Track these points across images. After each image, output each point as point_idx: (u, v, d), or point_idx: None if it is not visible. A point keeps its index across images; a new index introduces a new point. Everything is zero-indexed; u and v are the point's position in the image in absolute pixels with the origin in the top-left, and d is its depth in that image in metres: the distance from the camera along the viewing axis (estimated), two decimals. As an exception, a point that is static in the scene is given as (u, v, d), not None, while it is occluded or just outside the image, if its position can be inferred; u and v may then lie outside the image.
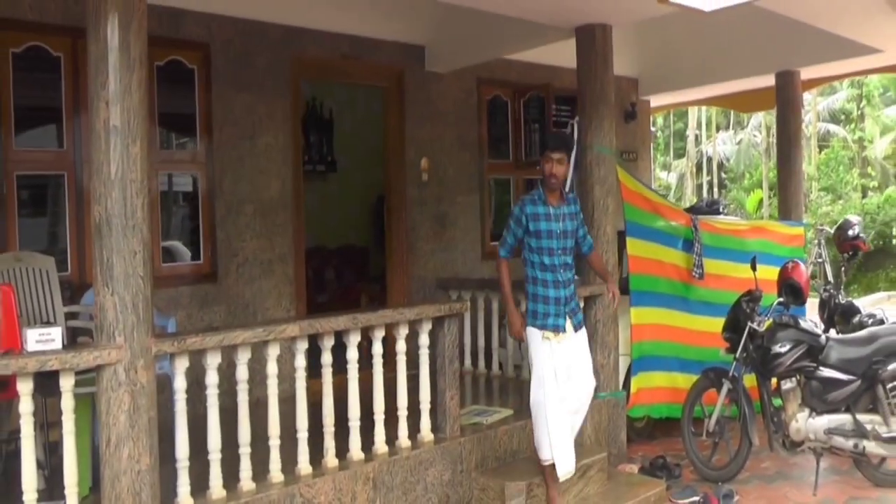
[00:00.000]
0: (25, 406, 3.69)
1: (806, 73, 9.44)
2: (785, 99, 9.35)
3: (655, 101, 11.60)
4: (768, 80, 9.50)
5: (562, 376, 4.89)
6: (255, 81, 7.00)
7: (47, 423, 4.42)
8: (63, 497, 3.84)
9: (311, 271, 9.84)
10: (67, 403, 3.81)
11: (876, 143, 28.42)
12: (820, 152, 27.35)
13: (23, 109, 5.86)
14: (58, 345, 3.79)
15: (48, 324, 4.54)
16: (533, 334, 4.97)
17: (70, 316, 5.37)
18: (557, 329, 4.93)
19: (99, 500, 3.94)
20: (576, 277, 5.22)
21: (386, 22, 7.59)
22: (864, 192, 24.08)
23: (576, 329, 5.05)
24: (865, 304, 9.77)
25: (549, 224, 4.97)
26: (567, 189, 7.31)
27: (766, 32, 7.66)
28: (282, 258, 7.12)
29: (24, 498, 3.68)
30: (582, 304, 5.74)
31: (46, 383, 3.92)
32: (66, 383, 3.79)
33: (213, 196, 6.73)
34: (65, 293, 5.48)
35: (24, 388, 3.69)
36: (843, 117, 29.13)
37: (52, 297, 5.31)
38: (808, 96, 26.71)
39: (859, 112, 25.95)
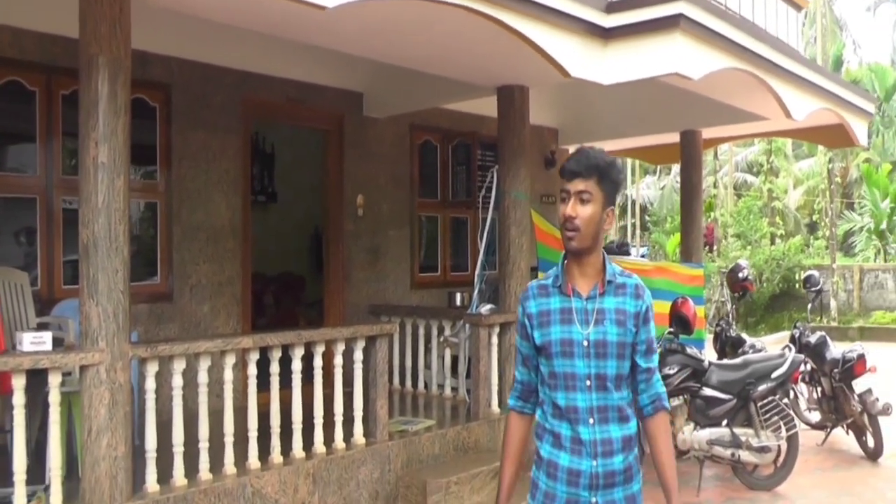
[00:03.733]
0: (18, 398, 4.31)
1: (707, 133, 10.43)
2: (688, 155, 10.30)
3: (574, 149, 12.42)
4: (675, 137, 10.41)
5: None
6: (210, 119, 7.64)
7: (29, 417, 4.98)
8: (42, 482, 4.45)
9: (252, 296, 10.45)
10: (55, 398, 4.45)
11: (789, 193, 30.13)
12: (739, 200, 28.79)
13: (0, 137, 6.42)
14: (48, 347, 4.44)
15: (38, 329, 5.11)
16: None
17: (41, 326, 5.86)
18: None
19: (75, 486, 4.56)
20: (630, 436, 2.80)
21: (329, 70, 8.32)
22: (773, 239, 25.59)
23: None
24: (771, 341, 10.76)
25: (566, 328, 2.73)
26: (484, 236, 7.97)
27: (672, 97, 8.44)
28: (230, 281, 7.73)
29: (15, 479, 4.26)
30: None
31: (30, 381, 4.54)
32: (55, 380, 4.43)
33: (170, 223, 7.32)
34: (36, 305, 6.06)
35: (18, 383, 4.31)
36: (756, 169, 30.83)
37: (26, 308, 5.90)
38: (724, 147, 28.28)
39: (769, 165, 27.60)
